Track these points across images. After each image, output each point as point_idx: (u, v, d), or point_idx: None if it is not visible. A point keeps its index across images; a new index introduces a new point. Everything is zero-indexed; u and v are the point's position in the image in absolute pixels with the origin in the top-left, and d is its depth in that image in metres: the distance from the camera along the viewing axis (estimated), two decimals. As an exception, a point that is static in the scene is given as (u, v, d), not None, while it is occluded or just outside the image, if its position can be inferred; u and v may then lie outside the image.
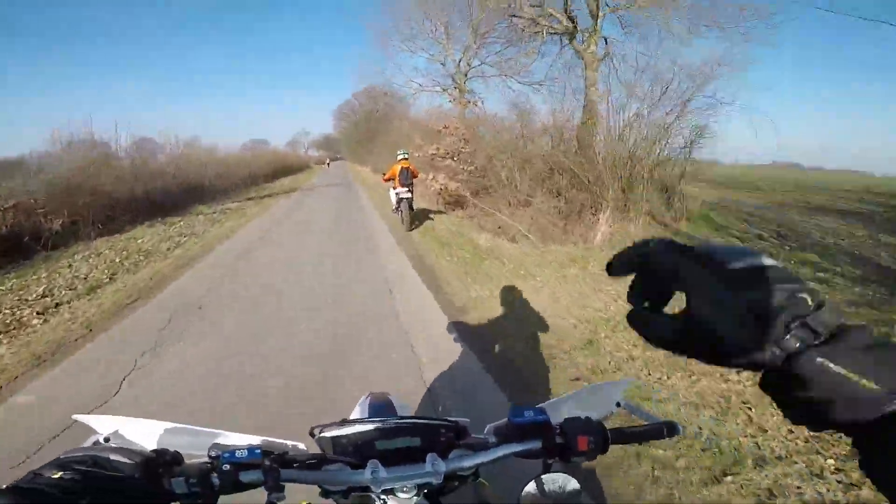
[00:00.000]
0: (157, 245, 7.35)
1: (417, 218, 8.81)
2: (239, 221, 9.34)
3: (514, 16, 11.86)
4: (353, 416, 1.02)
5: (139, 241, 7.74)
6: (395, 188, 8.76)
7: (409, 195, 8.46)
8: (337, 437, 0.63)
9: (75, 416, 0.72)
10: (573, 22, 10.41)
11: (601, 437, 0.61)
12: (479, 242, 6.98)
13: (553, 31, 11.05)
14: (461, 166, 10.73)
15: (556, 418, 0.65)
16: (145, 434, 0.65)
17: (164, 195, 12.15)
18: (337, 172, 33.09)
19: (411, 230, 8.45)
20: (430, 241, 7.11)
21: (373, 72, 23.50)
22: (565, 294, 4.69)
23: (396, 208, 9.00)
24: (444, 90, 17.32)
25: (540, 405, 0.70)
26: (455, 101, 16.32)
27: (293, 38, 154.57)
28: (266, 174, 25.65)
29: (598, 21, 10.39)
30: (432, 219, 9.82)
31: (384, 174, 9.35)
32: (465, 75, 16.94)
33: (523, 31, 12.66)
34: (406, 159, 8.80)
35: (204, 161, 15.47)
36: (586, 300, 4.54)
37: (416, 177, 8.91)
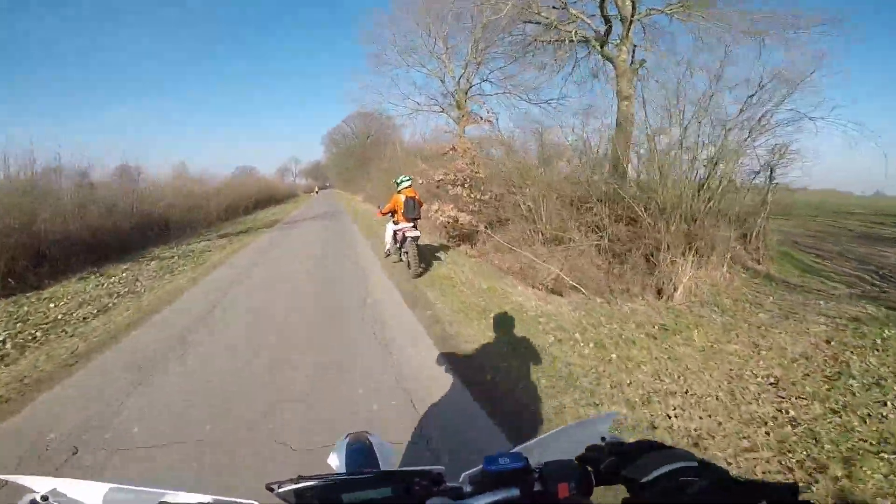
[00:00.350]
0: (73, 311, 5.34)
1: (422, 258, 6.92)
2: (196, 273, 7.32)
3: (528, 21, 10.39)
4: (330, 458, 1.04)
5: (53, 304, 5.72)
6: (394, 223, 6.93)
7: (417, 233, 6.63)
8: (300, 490, 0.59)
9: (3, 476, 0.68)
10: (608, 23, 8.90)
11: (584, 481, 0.57)
12: (517, 299, 5.11)
13: (580, 38, 9.53)
14: (473, 195, 8.97)
15: (538, 459, 0.60)
16: (86, 494, 0.59)
17: (118, 234, 10.17)
18: (326, 202, 31.25)
19: (419, 276, 6.57)
20: (452, 300, 5.19)
21: (366, 92, 22.04)
22: (704, 394, 2.85)
23: (397, 249, 7.14)
24: (442, 110, 15.82)
25: (520, 447, 0.68)
26: (463, 117, 14.72)
27: (285, 64, 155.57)
28: (248, 205, 23.80)
29: (630, 25, 8.94)
30: (440, 258, 7.97)
31: (380, 208, 7.49)
32: (466, 93, 15.48)
33: (535, 40, 11.21)
34: (410, 187, 7.00)
35: (165, 190, 13.50)
36: (744, 405, 2.76)
37: (421, 206, 7.12)
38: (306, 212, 21.74)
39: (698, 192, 6.09)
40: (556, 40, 10.15)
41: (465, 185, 8.94)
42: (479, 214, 9.54)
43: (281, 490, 0.58)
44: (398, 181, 6.99)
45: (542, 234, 8.51)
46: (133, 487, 0.60)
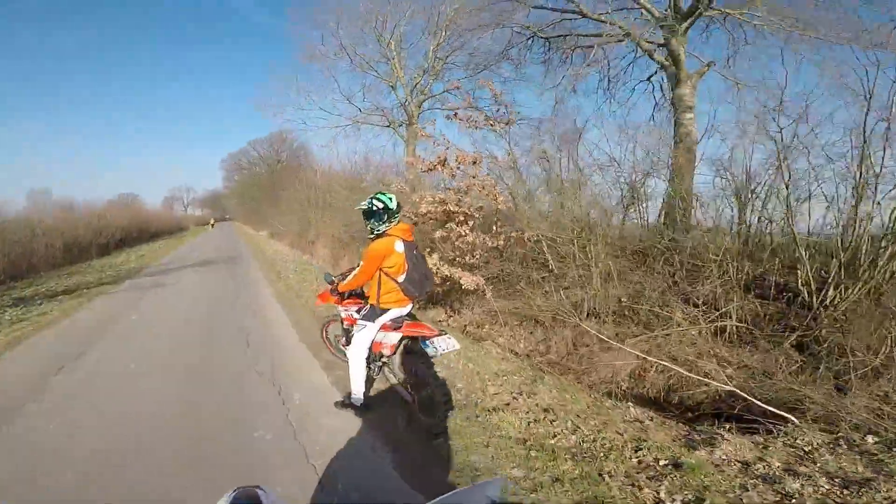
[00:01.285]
0: None
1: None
2: None
3: (539, 7, 7.40)
4: None
5: None
6: (365, 316, 2.98)
7: (456, 343, 2.76)
8: None
9: None
10: (697, 8, 6.19)
11: None
12: None
13: (619, 33, 6.78)
14: (482, 239, 5.38)
15: None
16: None
17: None
18: (223, 238, 25.15)
19: (438, 439, 2.72)
20: None
21: (297, 94, 16.25)
22: None
23: (376, 372, 3.13)
24: (388, 124, 12.22)
25: None
26: (413, 135, 11.14)
27: (179, 81, 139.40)
28: (109, 243, 17.59)
29: (695, 20, 6.40)
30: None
31: (331, 280, 3.30)
32: (420, 106, 12.09)
33: (535, 37, 8.29)
34: (401, 221, 3.09)
35: None
36: None
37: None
38: (192, 252, 16.22)
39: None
40: (566, 35, 7.28)
41: (470, 224, 5.33)
42: (481, 269, 6.00)
43: None
44: (375, 205, 2.88)
45: (600, 305, 5.29)
46: None
